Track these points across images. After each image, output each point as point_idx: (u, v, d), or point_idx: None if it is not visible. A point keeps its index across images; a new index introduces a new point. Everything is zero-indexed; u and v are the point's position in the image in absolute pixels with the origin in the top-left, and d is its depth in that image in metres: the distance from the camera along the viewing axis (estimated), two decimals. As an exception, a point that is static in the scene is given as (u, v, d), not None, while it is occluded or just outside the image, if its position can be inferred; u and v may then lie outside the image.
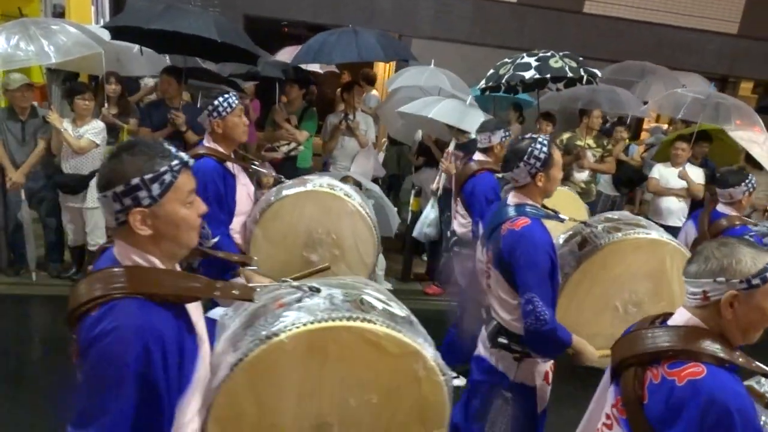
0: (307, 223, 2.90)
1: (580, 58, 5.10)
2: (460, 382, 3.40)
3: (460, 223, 3.85)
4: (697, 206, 4.69)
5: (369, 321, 1.45)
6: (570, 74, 4.82)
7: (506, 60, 5.15)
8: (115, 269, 1.29)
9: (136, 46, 5.07)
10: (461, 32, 7.88)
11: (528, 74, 4.78)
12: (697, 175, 5.23)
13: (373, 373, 1.48)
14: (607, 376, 1.65)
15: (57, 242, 5.06)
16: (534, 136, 2.32)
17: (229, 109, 2.67)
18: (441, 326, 4.94)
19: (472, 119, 4.43)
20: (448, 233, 3.81)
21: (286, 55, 6.43)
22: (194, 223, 1.38)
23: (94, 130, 4.59)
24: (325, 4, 7.45)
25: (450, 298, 4.10)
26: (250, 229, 2.91)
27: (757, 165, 5.03)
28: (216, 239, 2.59)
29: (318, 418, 1.49)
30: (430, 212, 5.09)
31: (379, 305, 1.56)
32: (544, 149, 2.25)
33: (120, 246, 1.33)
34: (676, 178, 5.22)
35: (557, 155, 2.33)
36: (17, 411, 3.28)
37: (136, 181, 1.26)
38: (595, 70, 5.06)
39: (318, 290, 1.54)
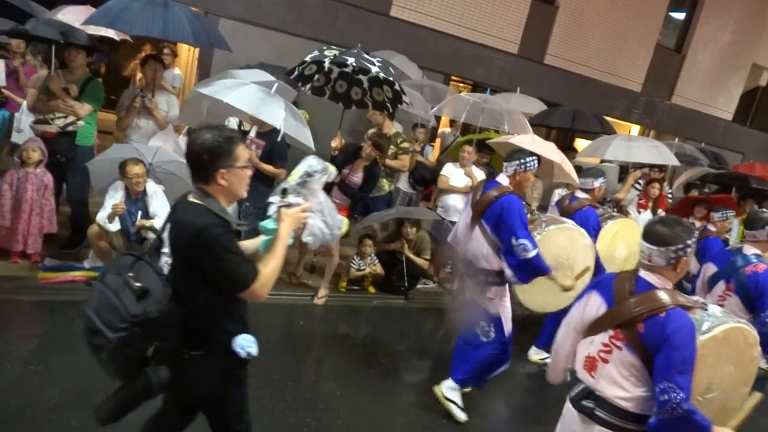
0: (557, 250, 3.93)
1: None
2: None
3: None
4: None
5: (744, 324, 2.44)
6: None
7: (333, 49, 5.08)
8: (661, 291, 2.18)
9: None
10: (273, 18, 7.73)
11: (374, 69, 4.86)
12: (480, 175, 5.86)
13: (737, 353, 2.41)
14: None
15: None
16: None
17: (531, 168, 3.60)
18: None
19: (270, 109, 4.26)
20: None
21: (71, 15, 5.59)
22: None
23: None
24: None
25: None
26: None
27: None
28: (536, 251, 3.42)
29: (707, 380, 2.34)
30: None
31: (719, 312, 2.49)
32: None
33: (659, 278, 2.21)
34: (461, 177, 5.79)
35: None
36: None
37: (689, 242, 2.15)
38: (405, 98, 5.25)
39: (706, 306, 2.39)
